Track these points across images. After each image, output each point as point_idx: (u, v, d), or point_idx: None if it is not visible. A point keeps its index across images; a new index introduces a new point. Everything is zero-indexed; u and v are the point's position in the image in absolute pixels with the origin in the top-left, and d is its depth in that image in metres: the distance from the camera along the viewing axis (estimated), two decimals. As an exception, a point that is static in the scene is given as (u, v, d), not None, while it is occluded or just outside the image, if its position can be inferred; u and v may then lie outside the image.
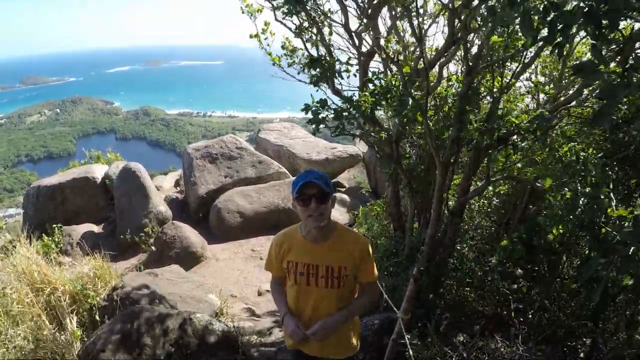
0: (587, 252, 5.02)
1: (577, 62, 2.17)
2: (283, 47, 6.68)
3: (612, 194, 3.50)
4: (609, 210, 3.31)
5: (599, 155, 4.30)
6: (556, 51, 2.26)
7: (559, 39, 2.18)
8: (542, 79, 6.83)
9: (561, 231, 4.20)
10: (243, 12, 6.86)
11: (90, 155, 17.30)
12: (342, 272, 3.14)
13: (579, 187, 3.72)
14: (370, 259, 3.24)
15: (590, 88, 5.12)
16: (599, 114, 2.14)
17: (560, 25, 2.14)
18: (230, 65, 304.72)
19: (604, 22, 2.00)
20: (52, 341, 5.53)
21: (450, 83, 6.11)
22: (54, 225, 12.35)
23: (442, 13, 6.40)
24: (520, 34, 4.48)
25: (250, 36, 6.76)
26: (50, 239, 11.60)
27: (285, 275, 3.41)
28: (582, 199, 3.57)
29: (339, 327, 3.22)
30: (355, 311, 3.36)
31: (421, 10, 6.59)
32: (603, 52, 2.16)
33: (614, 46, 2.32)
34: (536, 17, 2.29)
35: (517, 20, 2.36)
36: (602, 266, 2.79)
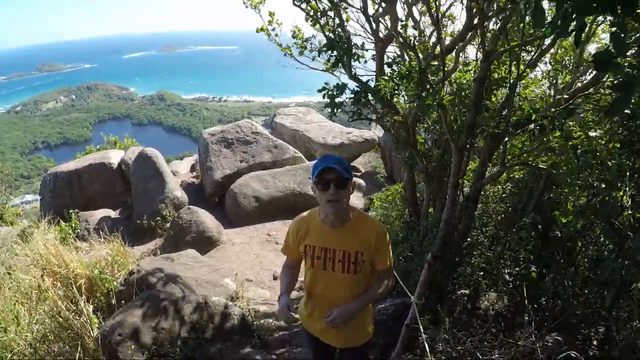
0: (601, 239, 4.99)
1: (595, 53, 2.12)
2: (294, 37, 6.62)
3: (627, 188, 3.47)
4: (624, 212, 3.29)
5: (615, 144, 4.25)
6: (573, 39, 2.22)
7: (573, 28, 2.15)
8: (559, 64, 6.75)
9: (579, 227, 4.18)
10: (247, 7, 6.83)
11: (108, 140, 17.49)
12: (359, 258, 3.13)
13: (595, 182, 3.70)
14: (386, 245, 3.23)
15: (607, 75, 5.07)
16: (614, 106, 2.11)
17: (574, 15, 2.11)
18: (245, 50, 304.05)
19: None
20: (70, 325, 5.59)
21: (467, 68, 6.07)
22: (71, 211, 12.48)
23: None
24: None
25: (257, 30, 6.74)
26: (67, 224, 11.73)
27: (300, 259, 3.44)
28: (597, 197, 3.54)
29: (357, 314, 3.21)
30: (373, 298, 3.35)
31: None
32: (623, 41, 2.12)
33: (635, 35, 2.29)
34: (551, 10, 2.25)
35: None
36: (616, 270, 2.77)
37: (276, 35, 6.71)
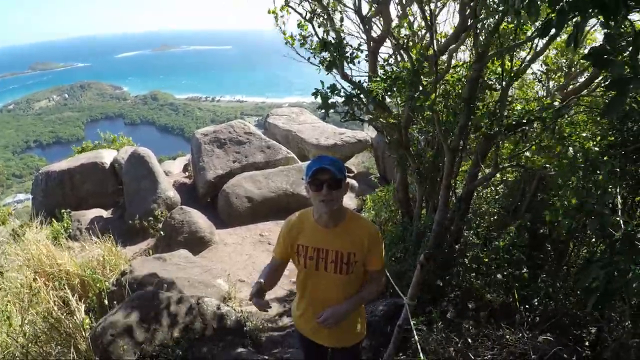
0: (593, 239, 5.01)
1: (590, 48, 2.14)
2: (299, 26, 6.62)
3: (618, 190, 3.48)
4: (612, 219, 3.29)
5: (606, 145, 4.26)
6: (572, 42, 2.23)
7: (571, 30, 2.16)
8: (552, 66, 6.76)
9: (570, 227, 4.19)
10: None
11: (105, 137, 17.50)
12: (352, 258, 3.12)
13: (587, 184, 3.71)
14: (379, 247, 3.21)
15: (601, 77, 5.09)
16: (610, 106, 2.11)
17: (571, 14, 2.12)
18: (239, 50, 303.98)
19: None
20: (62, 326, 5.58)
21: (459, 70, 6.08)
22: (63, 211, 12.44)
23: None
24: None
25: (269, 12, 6.76)
26: (59, 224, 11.68)
27: (285, 262, 3.44)
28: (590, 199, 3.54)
29: (349, 315, 3.21)
30: (365, 299, 3.37)
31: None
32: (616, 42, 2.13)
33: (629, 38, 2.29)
34: (545, 5, 2.26)
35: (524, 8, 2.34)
36: (599, 278, 2.77)
37: (283, 23, 6.73)
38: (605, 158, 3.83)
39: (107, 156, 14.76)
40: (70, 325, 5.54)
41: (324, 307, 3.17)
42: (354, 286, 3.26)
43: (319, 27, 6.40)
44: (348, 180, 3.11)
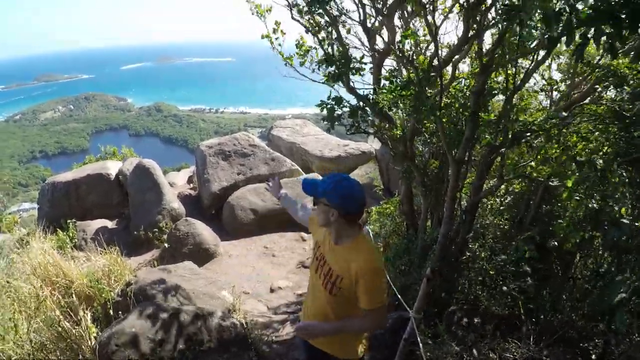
0: (600, 252, 4.99)
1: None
2: (297, 46, 6.64)
3: (627, 199, 3.48)
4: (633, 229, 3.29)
5: (613, 156, 4.26)
6: (574, 54, 2.24)
7: (578, 41, 2.16)
8: (555, 76, 6.77)
9: (577, 241, 4.18)
10: (253, 14, 6.86)
11: (105, 151, 17.55)
12: (338, 282, 3.08)
13: (595, 194, 3.71)
14: (369, 284, 2.99)
15: (604, 85, 5.10)
16: None
17: (576, 25, 2.13)
18: (241, 62, 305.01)
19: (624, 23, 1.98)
20: (68, 334, 5.59)
21: (464, 81, 6.09)
22: (68, 221, 12.48)
23: (458, 11, 6.35)
24: (533, 31, 4.47)
25: (262, 37, 6.74)
26: (64, 234, 11.72)
27: (308, 222, 3.73)
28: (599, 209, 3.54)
29: (324, 336, 3.24)
30: (349, 329, 3.21)
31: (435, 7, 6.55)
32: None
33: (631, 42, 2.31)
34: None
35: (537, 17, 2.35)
36: (632, 290, 2.76)
37: (279, 44, 6.73)
38: (613, 166, 3.83)
39: (112, 167, 14.81)
40: (76, 334, 5.55)
41: (307, 311, 3.41)
42: (342, 307, 3.19)
43: (322, 40, 6.40)
44: (332, 207, 3.07)
